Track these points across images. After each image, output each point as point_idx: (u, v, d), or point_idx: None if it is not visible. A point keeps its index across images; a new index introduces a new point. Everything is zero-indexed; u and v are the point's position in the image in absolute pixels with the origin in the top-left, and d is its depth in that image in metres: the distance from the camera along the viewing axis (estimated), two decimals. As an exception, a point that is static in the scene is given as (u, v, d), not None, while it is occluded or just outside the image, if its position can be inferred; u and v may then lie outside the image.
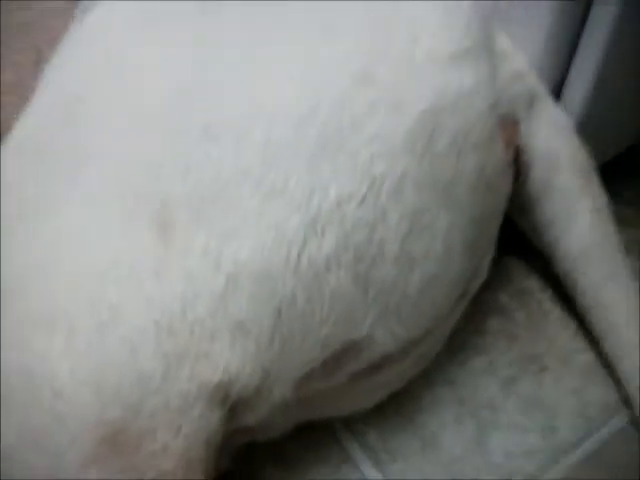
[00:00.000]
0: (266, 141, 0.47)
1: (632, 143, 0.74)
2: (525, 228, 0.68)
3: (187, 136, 0.48)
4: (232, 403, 0.47)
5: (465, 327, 0.66)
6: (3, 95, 0.69)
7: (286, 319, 0.47)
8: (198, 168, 0.47)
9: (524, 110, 0.62)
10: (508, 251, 0.71)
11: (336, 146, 0.48)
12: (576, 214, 0.64)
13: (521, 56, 0.64)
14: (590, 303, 0.65)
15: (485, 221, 0.57)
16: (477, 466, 0.61)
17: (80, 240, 0.47)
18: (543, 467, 0.61)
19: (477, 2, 0.59)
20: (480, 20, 0.58)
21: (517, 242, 0.69)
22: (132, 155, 0.49)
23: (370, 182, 0.48)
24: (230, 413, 0.48)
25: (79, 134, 0.51)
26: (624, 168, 0.74)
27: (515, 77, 0.61)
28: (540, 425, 0.63)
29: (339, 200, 0.47)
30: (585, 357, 0.67)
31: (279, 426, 0.57)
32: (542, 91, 0.64)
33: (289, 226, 0.47)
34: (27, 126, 0.55)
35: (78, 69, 0.55)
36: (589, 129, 0.66)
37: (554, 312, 0.69)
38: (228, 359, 0.46)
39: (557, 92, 0.67)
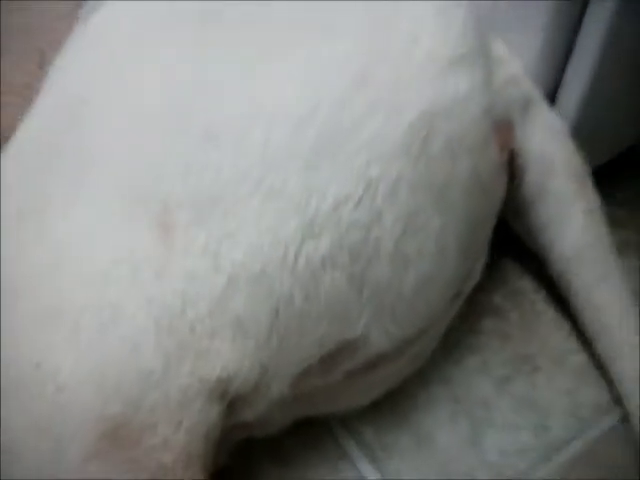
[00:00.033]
0: (265, 143, 0.48)
1: (626, 147, 0.75)
2: (519, 230, 0.68)
3: (188, 138, 0.49)
4: (231, 399, 0.48)
5: (460, 327, 0.67)
6: (9, 95, 0.69)
7: (283, 318, 0.48)
8: (198, 170, 0.48)
9: (519, 114, 0.63)
10: (503, 252, 0.71)
11: (334, 149, 0.49)
12: (570, 217, 0.65)
13: (517, 61, 0.65)
14: (583, 304, 0.65)
15: (479, 223, 0.58)
16: (471, 463, 0.62)
17: (83, 240, 0.48)
18: (535, 465, 0.62)
19: (473, 9, 0.60)
20: (476, 27, 0.58)
21: (512, 244, 0.70)
22: (134, 157, 0.50)
23: (366, 184, 0.49)
24: (229, 409, 0.49)
25: (83, 136, 0.52)
26: (617, 170, 0.75)
27: (510, 82, 0.62)
28: (533, 424, 0.64)
29: (336, 202, 0.48)
30: (578, 358, 0.67)
31: (276, 422, 0.58)
32: (537, 96, 0.65)
33: (287, 227, 0.48)
34: (31, 127, 0.56)
35: (82, 71, 0.56)
36: (583, 133, 0.67)
37: (547, 313, 0.70)
38: (227, 356, 0.47)
39: (552, 97, 0.67)
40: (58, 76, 0.58)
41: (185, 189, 0.48)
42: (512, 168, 0.63)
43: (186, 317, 0.46)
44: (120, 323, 0.46)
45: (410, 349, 0.57)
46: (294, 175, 0.48)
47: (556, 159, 0.64)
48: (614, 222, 0.69)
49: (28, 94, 0.67)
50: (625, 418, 0.63)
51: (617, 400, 0.64)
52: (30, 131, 0.56)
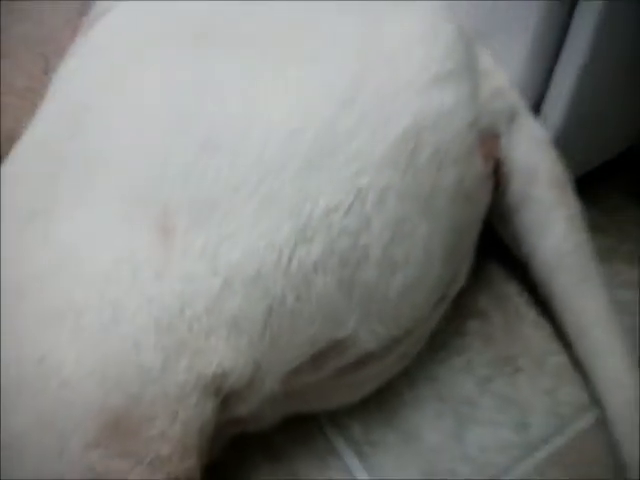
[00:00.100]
0: (262, 151, 0.50)
1: (609, 157, 0.76)
2: (504, 236, 0.70)
3: (187, 145, 0.50)
4: (225, 394, 0.50)
5: (446, 328, 0.68)
6: (10, 97, 0.70)
7: (277, 317, 0.50)
8: (197, 175, 0.49)
9: (504, 125, 0.64)
10: (488, 257, 0.72)
11: (326, 158, 0.50)
12: (551, 224, 0.66)
13: (503, 74, 0.66)
14: (563, 308, 0.67)
15: (464, 229, 0.59)
16: (454, 458, 0.63)
17: (86, 242, 0.49)
18: (516, 461, 0.63)
19: (461, 22, 0.62)
20: (464, 41, 0.60)
21: (497, 248, 0.71)
22: (135, 162, 0.51)
23: (356, 193, 0.50)
24: (223, 404, 0.50)
25: (86, 142, 0.53)
26: (599, 178, 0.76)
27: (496, 94, 0.64)
28: (514, 422, 0.65)
29: (327, 209, 0.50)
30: (558, 359, 0.68)
31: (269, 418, 0.59)
32: (522, 107, 0.66)
33: (281, 232, 0.49)
34: (36, 133, 0.57)
35: (85, 78, 0.57)
36: (567, 142, 0.68)
37: (530, 315, 0.71)
38: (223, 353, 0.48)
39: (537, 107, 0.69)
40: (62, 83, 0.60)
41: (184, 194, 0.49)
42: (497, 176, 0.64)
43: (184, 316, 0.48)
44: (121, 321, 0.47)
45: (397, 349, 0.59)
46: (288, 182, 0.49)
47: (539, 168, 0.65)
48: (596, 228, 0.71)
49: (29, 97, 0.68)
50: (602, 417, 0.64)
51: (595, 400, 0.65)
52: (35, 137, 0.57)
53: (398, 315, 0.56)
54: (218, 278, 0.48)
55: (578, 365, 0.67)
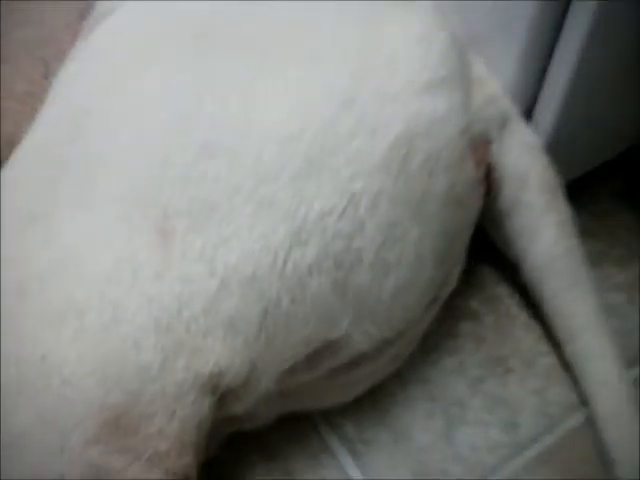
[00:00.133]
0: (258, 156, 0.51)
1: (600, 162, 0.76)
2: (496, 239, 0.70)
3: (186, 153, 0.51)
4: (222, 393, 0.51)
5: (438, 330, 0.69)
6: (9, 101, 0.70)
7: (272, 318, 0.51)
8: (197, 180, 0.50)
9: (496, 131, 0.65)
10: (481, 260, 0.73)
11: (321, 163, 0.51)
12: (542, 228, 0.66)
13: (495, 81, 0.67)
14: (553, 311, 0.67)
15: (455, 233, 0.60)
16: (445, 457, 0.64)
17: (88, 244, 0.50)
18: (505, 460, 0.64)
19: (455, 30, 0.62)
20: (458, 49, 0.61)
21: (489, 251, 0.71)
22: (136, 167, 0.52)
23: (350, 197, 0.51)
24: (220, 402, 0.51)
25: (87, 146, 0.54)
26: (590, 183, 0.77)
27: (489, 101, 0.64)
28: (503, 422, 0.66)
29: (322, 213, 0.51)
30: (548, 360, 0.69)
31: (264, 416, 0.60)
32: (514, 113, 0.67)
33: (277, 235, 0.50)
34: (37, 137, 0.57)
35: (85, 83, 0.58)
36: (558, 148, 0.69)
37: (521, 317, 0.71)
38: (219, 353, 0.49)
39: (528, 113, 0.69)
40: (62, 87, 0.60)
41: (184, 197, 0.50)
42: (489, 181, 0.65)
43: (182, 317, 0.49)
44: (121, 321, 0.48)
45: (389, 349, 0.60)
46: (284, 187, 0.50)
47: (530, 173, 0.66)
48: (587, 232, 0.71)
49: (29, 101, 0.68)
50: (590, 418, 0.65)
51: (583, 400, 0.66)
52: (35, 140, 0.57)
53: (390, 316, 0.56)
54: (215, 279, 0.49)
55: (567, 366, 0.68)
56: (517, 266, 0.69)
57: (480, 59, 0.67)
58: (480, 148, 0.62)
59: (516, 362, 0.69)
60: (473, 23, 0.67)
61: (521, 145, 0.66)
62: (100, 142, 0.54)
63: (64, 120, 0.56)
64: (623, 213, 0.79)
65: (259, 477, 0.64)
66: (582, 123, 0.70)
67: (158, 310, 0.49)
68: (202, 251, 0.49)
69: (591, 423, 0.65)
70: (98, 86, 0.57)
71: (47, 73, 0.69)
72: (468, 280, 0.71)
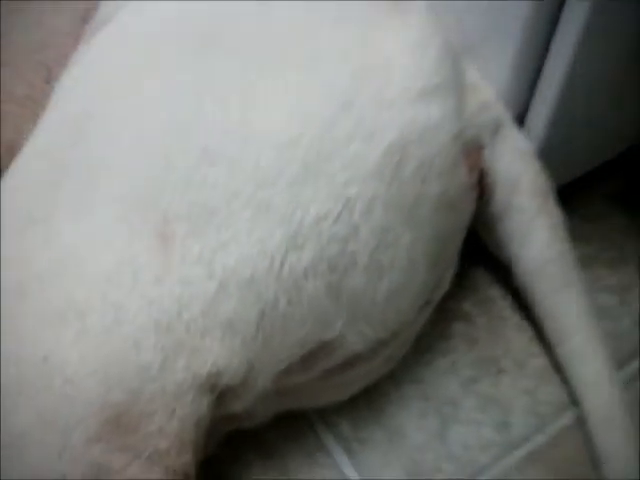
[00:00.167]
0: (256, 162, 0.51)
1: (591, 167, 0.77)
2: (489, 242, 0.70)
3: (186, 158, 0.52)
4: (220, 391, 0.51)
5: (431, 331, 0.69)
6: (9, 105, 0.70)
7: (269, 319, 0.52)
8: (197, 185, 0.51)
9: (489, 137, 0.65)
10: (474, 262, 0.73)
11: (317, 169, 0.52)
12: (534, 232, 0.66)
13: (489, 87, 0.67)
14: (545, 313, 0.68)
15: (448, 237, 0.61)
16: (438, 456, 0.65)
17: (90, 247, 0.51)
18: (496, 458, 0.65)
19: (449, 37, 0.63)
20: (452, 55, 0.62)
21: (482, 254, 0.71)
22: (137, 171, 0.52)
23: (345, 202, 0.52)
24: (218, 401, 0.52)
25: (89, 150, 0.54)
26: (582, 187, 0.77)
27: (482, 108, 0.65)
28: (495, 421, 0.67)
29: (317, 217, 0.51)
30: (539, 361, 0.69)
31: (261, 415, 0.61)
32: (507, 119, 0.67)
33: (274, 239, 0.51)
34: (39, 140, 0.58)
35: (87, 87, 0.58)
36: (550, 153, 0.69)
37: (513, 319, 0.72)
38: (218, 353, 0.50)
39: (521, 119, 0.69)
40: (64, 91, 0.60)
41: (184, 201, 0.51)
42: (481, 186, 0.66)
43: (182, 318, 0.50)
44: (123, 322, 0.49)
45: (383, 350, 0.60)
46: (281, 192, 0.51)
47: (522, 178, 0.66)
48: (579, 235, 0.72)
49: (30, 105, 0.68)
50: (581, 417, 0.65)
51: (574, 400, 0.66)
52: (37, 144, 0.58)
53: (384, 318, 0.57)
54: (214, 282, 0.50)
55: (558, 367, 0.68)
56: (509, 269, 0.69)
57: (473, 65, 0.67)
58: (473, 153, 0.63)
59: (508, 363, 0.70)
60: (466, 31, 0.68)
61: (513, 150, 0.67)
62: (102, 146, 0.54)
63: (66, 124, 0.57)
64: (616, 216, 0.80)
65: (256, 475, 0.64)
66: (573, 129, 0.71)
67: (158, 312, 0.50)
68: (201, 255, 0.50)
69: (581, 423, 0.66)
70: (100, 90, 0.57)
71: (48, 77, 0.69)
72: (461, 282, 0.71)
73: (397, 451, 0.66)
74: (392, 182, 0.54)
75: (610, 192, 0.81)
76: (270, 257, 0.51)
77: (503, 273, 0.71)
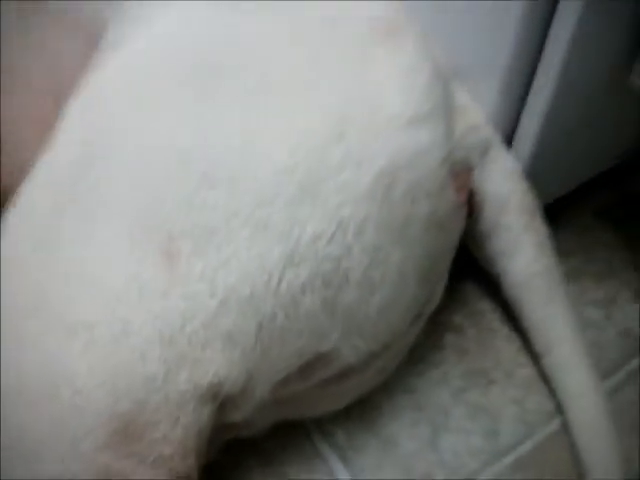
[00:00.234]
0: (255, 185, 0.54)
1: (576, 186, 0.79)
2: (478, 258, 0.72)
3: (189, 179, 0.54)
4: (221, 401, 0.53)
5: (423, 343, 0.71)
6: (26, 133, 0.71)
7: (267, 332, 0.53)
8: (198, 208, 0.53)
9: (478, 158, 0.67)
10: (464, 276, 0.75)
11: (312, 192, 0.54)
12: (521, 248, 0.68)
13: (478, 109, 0.69)
14: (532, 325, 0.70)
15: (438, 254, 0.62)
16: (429, 463, 0.66)
17: (99, 265, 0.53)
18: (484, 465, 0.67)
19: (439, 60, 0.65)
20: (441, 80, 0.64)
21: (472, 268, 0.73)
22: (143, 196, 0.54)
23: (338, 223, 0.54)
24: (219, 410, 0.53)
25: (98, 173, 0.56)
26: (569, 201, 0.79)
27: (471, 130, 0.66)
28: (485, 429, 0.68)
29: (314, 237, 0.53)
30: (527, 371, 0.71)
31: (260, 423, 0.62)
32: (495, 140, 0.69)
33: (272, 256, 0.53)
34: (48, 164, 0.59)
35: (94, 114, 0.60)
36: (537, 173, 0.71)
37: (502, 331, 0.73)
38: (218, 364, 0.52)
39: (509, 140, 0.71)
40: (72, 117, 0.61)
41: (187, 222, 0.53)
42: (471, 204, 0.68)
43: (185, 331, 0.51)
44: (130, 335, 0.51)
45: (376, 362, 0.62)
46: (278, 213, 0.53)
47: (510, 198, 0.68)
48: (566, 249, 0.75)
49: (39, 131, 0.66)
50: (565, 425, 0.67)
51: (560, 409, 0.68)
52: (47, 168, 0.59)
53: (376, 331, 0.59)
54: (215, 298, 0.52)
55: (545, 377, 0.70)
56: (498, 283, 0.71)
57: (463, 87, 0.69)
58: (461, 175, 0.65)
59: (497, 373, 0.71)
60: (456, 53, 0.69)
61: (502, 171, 0.69)
62: (108, 170, 0.56)
63: (73, 149, 0.58)
64: (602, 230, 0.82)
65: (256, 480, 0.66)
66: (559, 149, 0.72)
67: (163, 325, 0.51)
68: (203, 271, 0.52)
69: (567, 431, 0.67)
70: (105, 117, 0.59)
71: (58, 101, 0.70)
72: (452, 296, 0.73)
73: (390, 458, 0.67)
74: (383, 204, 0.56)
75: (597, 206, 0.83)
76: (268, 274, 0.53)
77: (492, 287, 0.73)
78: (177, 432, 0.51)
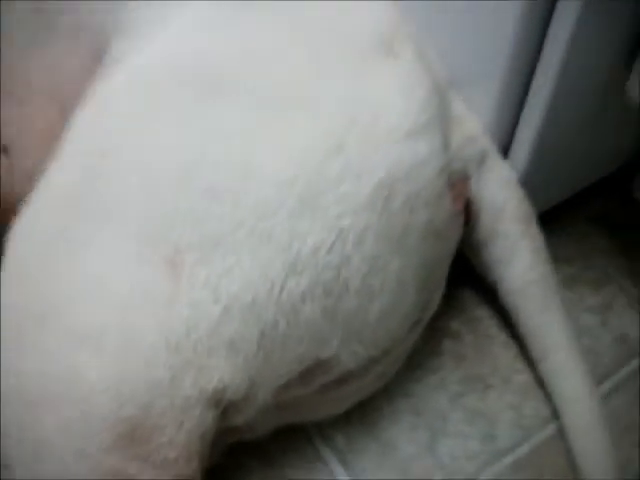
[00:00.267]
0: (258, 198, 0.55)
1: (571, 194, 0.80)
2: (476, 265, 0.73)
3: (194, 193, 0.55)
4: (224, 406, 0.54)
5: (422, 349, 0.71)
6: (32, 144, 0.71)
7: (269, 339, 0.54)
8: (203, 219, 0.54)
9: (475, 167, 0.68)
10: (462, 283, 0.75)
11: (313, 204, 0.55)
12: (517, 256, 0.69)
13: (475, 119, 0.70)
14: (528, 331, 0.71)
15: (435, 262, 0.63)
16: (427, 466, 0.68)
17: (107, 274, 0.54)
18: (481, 468, 0.68)
19: (437, 72, 0.66)
20: (439, 92, 0.65)
21: (470, 275, 0.74)
22: (149, 208, 0.55)
23: (338, 233, 0.55)
24: (222, 414, 0.55)
25: (105, 186, 0.57)
26: (565, 208, 0.80)
27: (468, 140, 0.67)
28: (482, 433, 0.69)
29: (314, 247, 0.55)
30: (523, 377, 0.72)
31: (262, 427, 0.63)
32: (492, 150, 0.69)
33: (274, 266, 0.54)
34: (56, 176, 0.60)
35: (101, 127, 0.61)
36: (533, 181, 0.72)
37: (499, 337, 0.74)
38: (223, 370, 0.53)
39: (505, 149, 0.72)
40: (78, 129, 0.62)
41: (192, 233, 0.54)
42: (468, 213, 0.69)
43: (190, 338, 0.52)
44: (137, 342, 0.52)
45: (375, 368, 0.63)
46: (280, 224, 0.54)
47: (506, 206, 0.69)
48: (562, 256, 0.76)
49: (45, 142, 0.67)
50: (562, 430, 0.68)
51: (556, 414, 0.69)
52: (53, 179, 0.60)
53: (376, 338, 0.60)
54: (219, 305, 0.53)
55: (541, 383, 0.71)
56: (495, 290, 0.72)
57: (460, 97, 0.70)
58: (459, 184, 0.66)
59: (494, 379, 0.72)
60: (453, 65, 0.70)
61: (498, 180, 0.70)
62: (114, 184, 0.57)
63: (79, 161, 0.59)
64: (598, 237, 0.82)
65: (257, 483, 0.67)
66: (555, 159, 0.73)
67: (169, 332, 0.52)
68: (208, 280, 0.53)
69: (563, 436, 0.68)
70: (111, 131, 0.60)
71: (63, 115, 0.69)
72: (450, 302, 0.73)
73: (389, 462, 0.68)
74: (382, 214, 0.57)
75: (593, 214, 0.84)
76: (271, 282, 0.54)
77: (490, 294, 0.74)
78: (182, 436, 0.52)
